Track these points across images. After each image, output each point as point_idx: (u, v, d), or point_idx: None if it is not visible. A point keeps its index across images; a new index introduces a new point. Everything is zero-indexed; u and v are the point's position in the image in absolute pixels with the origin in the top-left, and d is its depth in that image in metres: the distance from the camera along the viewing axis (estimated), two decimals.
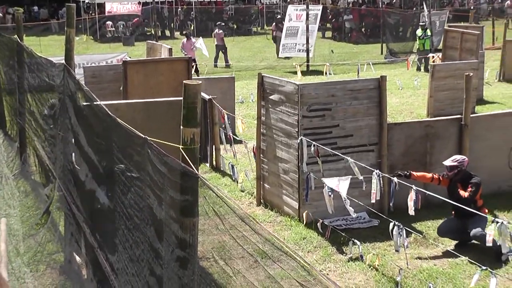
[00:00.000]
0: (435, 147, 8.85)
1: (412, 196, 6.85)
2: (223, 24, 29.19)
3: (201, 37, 22.18)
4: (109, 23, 36.89)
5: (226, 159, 10.87)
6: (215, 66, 24.47)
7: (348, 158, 7.55)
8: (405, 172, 7.65)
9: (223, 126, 10.71)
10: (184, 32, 24.25)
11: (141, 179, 3.80)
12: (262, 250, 3.01)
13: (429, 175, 7.77)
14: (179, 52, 20.47)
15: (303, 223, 8.14)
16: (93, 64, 17.15)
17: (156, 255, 3.65)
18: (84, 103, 5.42)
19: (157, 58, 13.53)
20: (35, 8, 44.39)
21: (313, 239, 7.77)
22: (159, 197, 3.41)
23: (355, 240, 7.29)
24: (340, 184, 7.35)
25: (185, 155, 2.95)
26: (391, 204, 7.63)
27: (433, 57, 19.15)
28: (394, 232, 6.74)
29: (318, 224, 7.89)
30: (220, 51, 25.42)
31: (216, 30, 26.83)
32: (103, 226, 5.11)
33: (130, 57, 18.18)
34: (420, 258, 7.27)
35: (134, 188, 3.98)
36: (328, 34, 36.18)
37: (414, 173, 7.70)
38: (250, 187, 9.76)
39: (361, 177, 7.47)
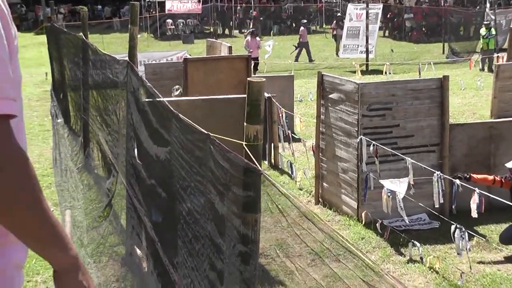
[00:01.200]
0: (499, 149, 8.66)
1: (475, 199, 6.71)
2: (306, 21, 29.31)
3: (272, 40, 22.32)
4: (169, 21, 37.37)
5: (285, 157, 10.88)
6: (296, 61, 24.90)
7: (408, 159, 7.46)
8: (465, 175, 7.49)
9: (282, 124, 10.73)
10: (250, 30, 24.45)
11: (202, 175, 3.84)
12: (325, 247, 3.00)
13: (491, 177, 7.59)
14: (238, 50, 20.58)
15: (361, 223, 8.08)
16: (153, 62, 17.40)
17: (217, 249, 3.68)
18: (146, 99, 5.50)
19: (217, 56, 13.64)
20: (99, 6, 45.34)
21: (371, 240, 7.71)
22: (220, 193, 3.44)
23: (415, 242, 7.19)
24: (399, 186, 7.28)
25: (248, 152, 2.96)
26: (453, 207, 7.50)
27: (498, 57, 18.72)
28: (456, 235, 6.62)
29: (377, 224, 7.82)
30: (304, 48, 25.81)
31: (302, 28, 27.14)
32: (163, 220, 5.19)
33: (190, 55, 18.40)
34: (483, 262, 7.12)
35: (195, 183, 4.02)
36: (388, 33, 35.77)
37: (474, 175, 7.53)
38: (308, 185, 9.75)
39: (412, 182, 7.38)
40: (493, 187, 7.59)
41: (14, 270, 1.92)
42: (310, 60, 25.43)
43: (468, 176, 7.45)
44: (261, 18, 40.20)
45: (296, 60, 25.15)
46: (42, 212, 1.74)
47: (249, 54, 12.34)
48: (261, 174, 2.95)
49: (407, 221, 7.31)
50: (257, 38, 22.36)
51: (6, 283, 1.88)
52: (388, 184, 7.34)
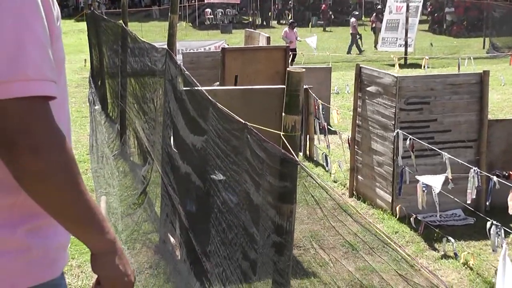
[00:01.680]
0: None
1: None
2: (357, 13, 29.32)
3: (315, 35, 22.37)
4: (208, 10, 37.46)
5: (320, 149, 10.85)
6: (349, 53, 25.06)
7: (445, 154, 7.38)
8: (504, 173, 7.38)
9: (318, 116, 10.69)
10: (290, 21, 24.49)
11: (238, 164, 3.85)
12: (360, 238, 2.99)
13: None
14: (276, 41, 20.54)
15: (395, 217, 8.03)
16: (191, 51, 17.47)
17: (250, 239, 3.69)
18: (184, 88, 5.53)
19: (255, 46, 13.63)
20: None
21: (405, 234, 7.66)
22: (256, 183, 3.45)
23: (450, 238, 7.12)
24: (435, 181, 7.21)
25: (285, 142, 2.97)
26: (487, 203, 7.40)
27: None
28: (491, 232, 6.54)
29: (411, 218, 7.76)
30: (357, 39, 25.99)
31: (353, 19, 27.17)
32: (197, 209, 5.22)
33: (228, 45, 18.42)
34: None
35: (230, 172, 4.04)
36: (427, 26, 35.34)
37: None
38: (343, 178, 9.71)
39: (450, 177, 7.30)
40: None
41: (57, 251, 1.94)
42: (360, 51, 25.63)
43: (507, 174, 7.32)
44: (300, 10, 40.05)
45: (349, 52, 25.34)
46: (79, 194, 1.75)
47: (288, 45, 12.29)
48: (298, 164, 2.95)
49: (438, 217, 7.22)
50: (295, 30, 22.31)
51: (49, 264, 1.91)
52: (425, 179, 7.27)
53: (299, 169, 3.00)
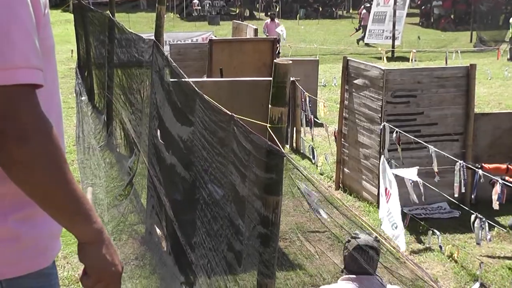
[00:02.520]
0: None
1: (497, 190, 6.66)
2: (369, 5, 29.41)
3: (282, 25, 22.35)
4: (196, 1, 37.33)
5: (306, 141, 10.87)
6: (358, 43, 25.77)
7: (431, 147, 7.42)
8: (477, 165, 7.36)
9: (305, 108, 10.71)
10: (269, 13, 24.43)
11: (224, 156, 3.85)
12: (346, 231, 3.01)
13: (504, 166, 7.42)
14: (262, 33, 20.52)
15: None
16: (178, 42, 17.42)
17: (236, 231, 3.70)
18: (171, 79, 5.52)
19: (243, 38, 13.62)
20: None
21: None
22: (242, 174, 3.46)
23: (435, 230, 7.17)
24: (408, 173, 7.21)
25: (272, 134, 2.98)
26: (472, 196, 7.45)
27: None
28: (475, 225, 6.59)
29: None
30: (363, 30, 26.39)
31: (364, 11, 27.29)
32: (182, 201, 5.22)
33: (215, 36, 18.38)
34: (502, 253, 7.08)
35: (216, 164, 4.04)
36: (415, 20, 35.41)
37: (486, 165, 7.34)
38: (329, 170, 9.74)
39: (436, 170, 7.33)
40: (508, 176, 7.46)
41: (48, 239, 1.93)
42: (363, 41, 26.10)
43: (479, 166, 7.27)
44: (287, 2, 40.02)
45: (359, 42, 25.70)
46: (66, 183, 1.73)
47: (276, 37, 12.29)
48: (284, 156, 2.96)
49: (424, 210, 7.22)
50: (276, 21, 22.24)
51: (40, 253, 1.90)
52: (398, 171, 7.27)
53: (285, 161, 3.01)
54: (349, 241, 3.87)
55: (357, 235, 3.84)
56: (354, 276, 3.75)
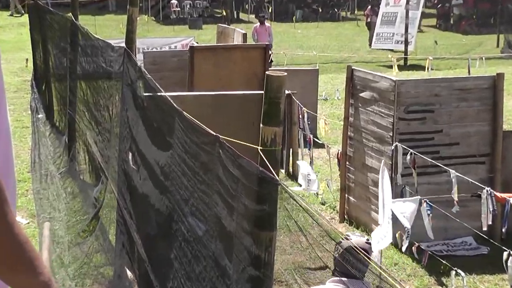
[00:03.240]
0: None
1: None
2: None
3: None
4: (174, 2, 37.46)
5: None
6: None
7: (453, 171, 7.43)
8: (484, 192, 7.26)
9: (302, 126, 10.72)
10: (259, 15, 24.47)
11: (208, 184, 3.84)
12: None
13: None
14: (251, 39, 20.61)
15: (395, 246, 8.05)
16: (154, 50, 17.48)
17: (222, 273, 3.68)
18: (145, 94, 5.52)
19: (230, 45, 13.69)
20: None
21: (406, 266, 7.68)
22: (229, 206, 3.44)
23: (459, 270, 7.15)
24: (405, 207, 7.15)
25: (263, 158, 2.97)
26: (503, 230, 7.45)
27: None
28: (509, 263, 6.58)
29: (413, 248, 7.77)
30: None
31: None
32: (158, 238, 5.20)
33: (197, 42, 18.47)
34: None
35: (198, 193, 4.03)
36: (431, 21, 35.66)
37: (498, 194, 7.25)
38: (332, 200, 9.75)
39: (456, 198, 7.32)
40: None
41: None
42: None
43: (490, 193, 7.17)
44: (282, 2, 40.25)
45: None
46: (5, 227, 1.68)
47: (267, 43, 12.36)
48: (278, 184, 2.96)
49: (445, 246, 7.21)
50: (267, 25, 22.27)
51: None
52: (394, 205, 7.14)
53: (280, 189, 3.00)
54: (340, 242, 4.39)
55: (349, 237, 4.51)
56: (343, 279, 4.33)
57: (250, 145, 3.24)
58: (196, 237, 3.95)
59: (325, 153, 10.67)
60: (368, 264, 4.12)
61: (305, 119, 10.63)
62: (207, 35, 27.63)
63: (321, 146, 10.76)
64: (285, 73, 3.08)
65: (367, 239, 4.41)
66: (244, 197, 3.18)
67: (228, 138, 3.49)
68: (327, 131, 11.00)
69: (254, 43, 18.71)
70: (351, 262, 4.28)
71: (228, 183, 3.38)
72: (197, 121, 3.93)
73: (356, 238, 4.64)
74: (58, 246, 7.23)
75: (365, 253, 4.18)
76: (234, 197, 3.31)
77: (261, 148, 3.03)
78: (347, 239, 4.50)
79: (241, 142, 3.36)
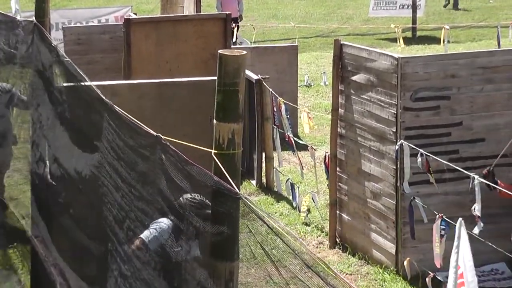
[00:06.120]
0: None
1: None
2: None
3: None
4: None
5: (283, 174, 10.88)
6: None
7: (476, 177, 7.46)
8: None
9: (278, 122, 10.72)
10: None
11: (148, 200, 3.85)
12: None
13: None
14: (211, 6, 20.58)
15: (403, 277, 8.10)
16: (78, 24, 17.41)
17: None
18: (64, 84, 5.52)
19: (178, 16, 13.66)
20: None
21: None
22: (176, 229, 3.46)
23: None
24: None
25: (219, 164, 2.99)
26: None
27: None
28: None
29: (427, 279, 7.82)
30: None
31: None
32: (86, 271, 5.20)
33: (135, 14, 18.41)
34: None
35: (136, 213, 4.04)
36: None
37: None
38: (320, 218, 9.76)
39: (478, 213, 7.34)
40: None
41: None
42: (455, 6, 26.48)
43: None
44: None
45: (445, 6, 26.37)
46: None
47: (227, 12, 12.35)
48: (239, 198, 2.97)
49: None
50: None
51: None
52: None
53: (242, 205, 3.02)
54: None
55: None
56: None
57: (203, 148, 3.25)
58: (134, 270, 3.96)
59: (309, 157, 10.67)
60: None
61: (282, 113, 10.60)
62: (149, 3, 27.59)
63: (304, 148, 10.76)
64: (245, 52, 3.09)
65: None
66: (195, 217, 3.20)
67: (174, 140, 3.49)
68: (312, 128, 11.00)
69: (211, 13, 18.69)
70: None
71: (174, 198, 3.40)
72: (133, 118, 3.94)
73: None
74: None
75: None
76: (182, 217, 3.33)
77: (216, 151, 3.03)
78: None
79: (191, 145, 3.37)
